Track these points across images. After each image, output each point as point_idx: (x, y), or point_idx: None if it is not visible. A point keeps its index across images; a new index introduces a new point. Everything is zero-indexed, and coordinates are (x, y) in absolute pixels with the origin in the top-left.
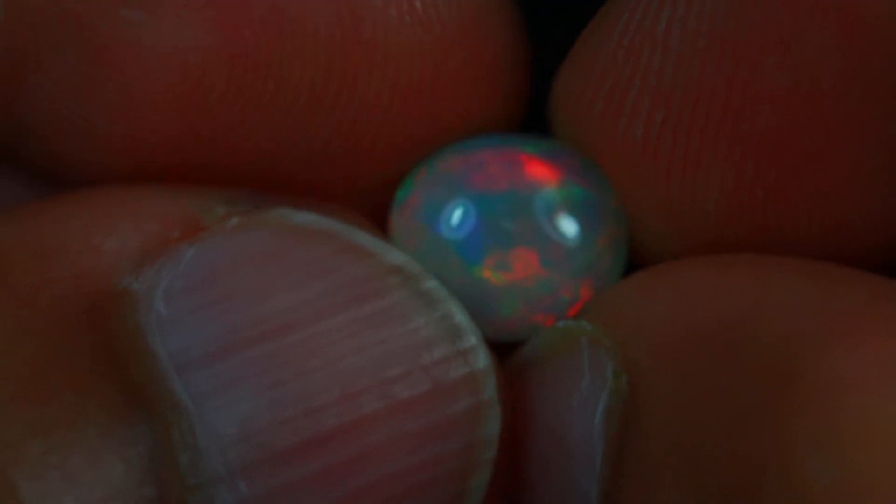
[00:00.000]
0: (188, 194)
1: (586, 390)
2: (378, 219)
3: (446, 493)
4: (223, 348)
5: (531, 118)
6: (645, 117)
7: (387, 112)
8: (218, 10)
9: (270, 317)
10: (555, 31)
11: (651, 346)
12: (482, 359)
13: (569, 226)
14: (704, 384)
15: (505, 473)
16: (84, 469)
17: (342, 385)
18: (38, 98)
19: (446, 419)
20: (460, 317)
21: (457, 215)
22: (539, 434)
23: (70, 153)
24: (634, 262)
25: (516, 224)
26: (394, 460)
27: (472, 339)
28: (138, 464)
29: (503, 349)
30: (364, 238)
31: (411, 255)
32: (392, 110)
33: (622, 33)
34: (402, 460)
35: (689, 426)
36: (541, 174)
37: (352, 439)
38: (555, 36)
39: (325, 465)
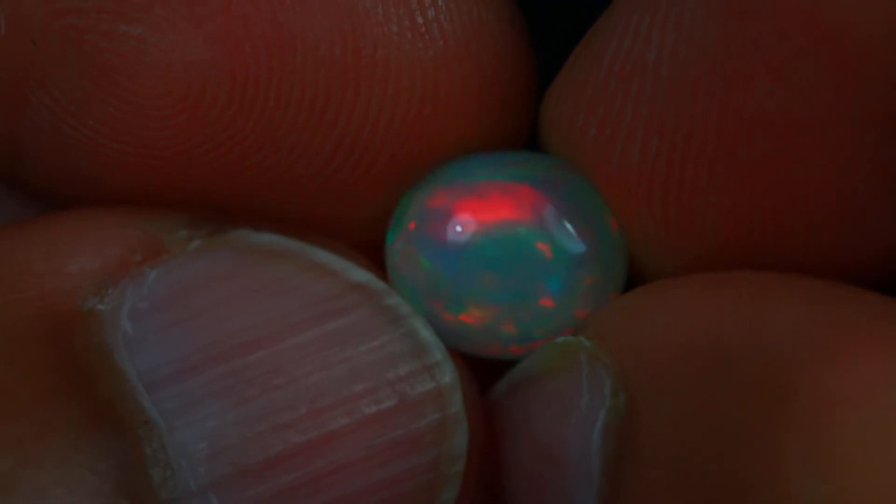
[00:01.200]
0: (151, 218)
1: (585, 408)
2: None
3: None
4: (191, 366)
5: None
6: (640, 145)
7: (387, 129)
8: (219, 26)
9: (236, 335)
10: (558, 46)
11: (647, 363)
12: (448, 373)
13: (551, 288)
14: (699, 402)
15: (496, 488)
16: (56, 483)
17: (309, 401)
18: (39, 115)
19: (413, 434)
20: (425, 332)
21: (436, 265)
22: (534, 450)
23: (71, 171)
24: (633, 277)
25: (496, 281)
26: (362, 475)
27: (438, 354)
28: (110, 478)
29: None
30: (326, 257)
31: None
32: (393, 127)
33: (612, 59)
34: (370, 475)
35: (685, 443)
36: (528, 219)
37: (320, 454)
38: (559, 51)
39: (295, 480)
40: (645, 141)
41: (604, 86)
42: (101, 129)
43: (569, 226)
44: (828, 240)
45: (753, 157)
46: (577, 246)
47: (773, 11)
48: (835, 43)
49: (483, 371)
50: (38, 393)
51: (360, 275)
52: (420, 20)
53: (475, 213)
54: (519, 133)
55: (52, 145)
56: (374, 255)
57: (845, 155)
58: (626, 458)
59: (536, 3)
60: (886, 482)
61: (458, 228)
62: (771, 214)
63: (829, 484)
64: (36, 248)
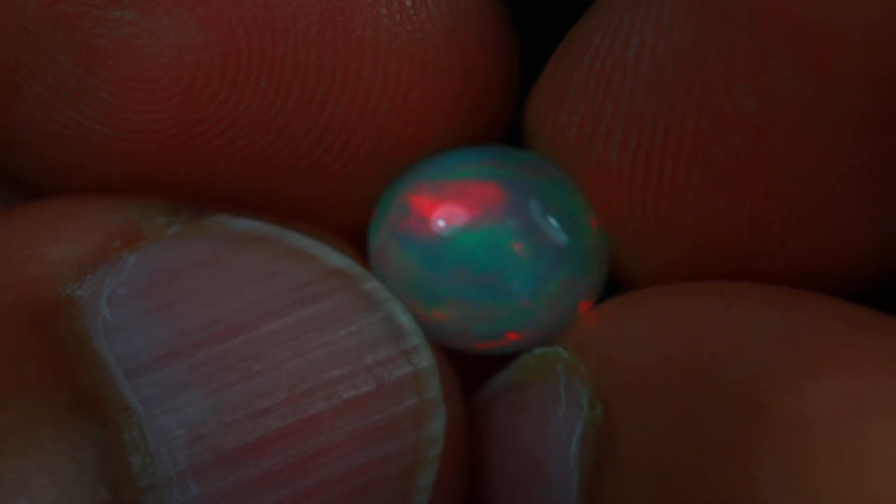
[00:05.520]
0: (129, 204)
1: (563, 417)
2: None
3: (393, 491)
4: (169, 353)
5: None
6: (619, 142)
7: (375, 112)
8: (211, 9)
9: (214, 321)
10: (543, 34)
11: (624, 375)
12: (425, 358)
13: (526, 286)
14: (676, 414)
15: (478, 497)
16: (37, 471)
17: (287, 387)
18: (31, 104)
19: (391, 418)
20: (403, 317)
21: (413, 260)
22: (514, 459)
23: (61, 160)
24: (613, 276)
25: (471, 277)
26: (341, 460)
27: (415, 338)
28: (91, 466)
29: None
30: (304, 241)
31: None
32: (380, 110)
33: (593, 58)
34: (349, 460)
35: (662, 455)
36: (505, 217)
37: (299, 440)
38: (544, 40)
39: (274, 466)
40: (624, 139)
41: (585, 84)
42: (92, 115)
43: (546, 224)
44: (806, 240)
45: (731, 157)
46: (553, 245)
47: (751, 12)
48: (811, 44)
49: (464, 372)
50: (19, 382)
51: (339, 259)
52: (408, 3)
53: (453, 210)
54: (500, 119)
55: (43, 134)
56: (358, 241)
57: (823, 155)
58: (604, 468)
59: None
60: (861, 501)
61: (436, 224)
62: (749, 213)
63: (805, 500)
64: (16, 236)
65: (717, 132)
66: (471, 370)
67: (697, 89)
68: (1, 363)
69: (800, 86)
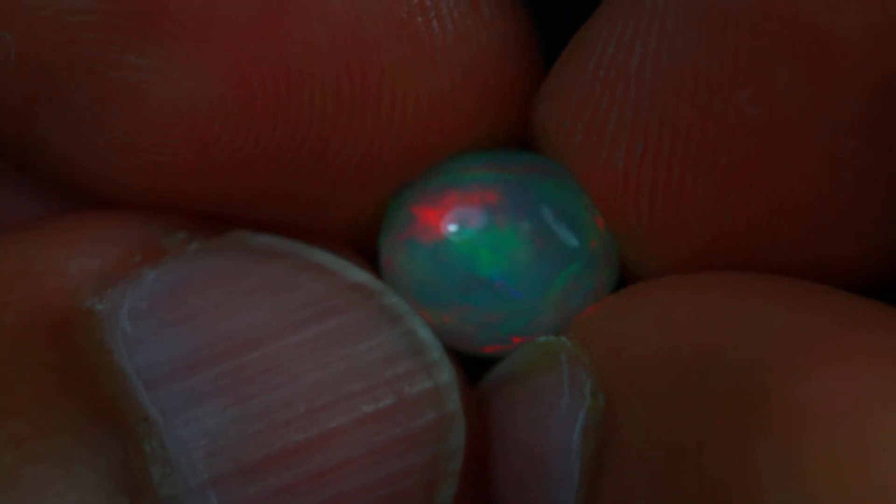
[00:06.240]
0: (150, 220)
1: (565, 407)
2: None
3: None
4: (190, 365)
5: None
6: (624, 150)
7: (391, 155)
8: (227, 60)
9: (235, 334)
10: (554, 40)
11: (627, 365)
12: (446, 372)
13: (535, 289)
14: (677, 406)
15: (479, 487)
16: (57, 479)
17: (307, 400)
18: (50, 133)
19: (411, 432)
20: (423, 332)
21: (421, 265)
22: (516, 449)
23: (80, 183)
24: (620, 278)
25: (479, 282)
26: (361, 473)
27: (435, 353)
28: (110, 475)
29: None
30: (324, 257)
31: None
32: (396, 152)
33: (597, 65)
34: (368, 473)
35: (663, 446)
36: (513, 221)
37: (319, 452)
38: (547, 43)
39: (293, 478)
40: (629, 146)
41: (589, 92)
42: (108, 148)
43: (552, 227)
44: (810, 242)
45: (736, 162)
46: (559, 247)
47: (753, 20)
48: (812, 50)
49: (467, 368)
50: (39, 392)
51: (359, 274)
52: (429, 49)
53: (458, 215)
54: (513, 136)
55: (59, 157)
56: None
57: (826, 159)
58: (605, 458)
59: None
60: (861, 492)
61: (442, 229)
62: (754, 218)
63: (804, 493)
64: (36, 250)
65: (721, 138)
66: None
67: (701, 96)
68: (20, 373)
69: (801, 91)
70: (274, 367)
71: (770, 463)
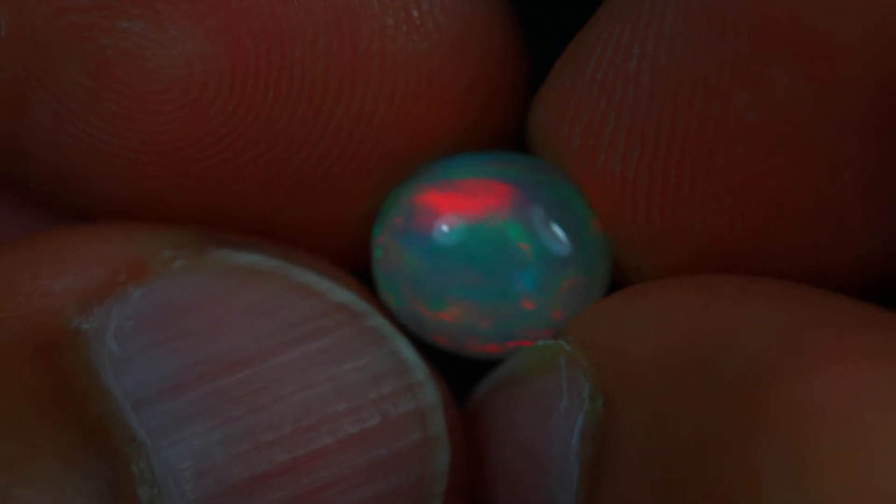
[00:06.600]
0: (135, 237)
1: (565, 410)
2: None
3: None
4: (176, 385)
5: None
6: (622, 153)
7: (382, 122)
8: (220, 20)
9: (220, 354)
10: (552, 40)
11: (626, 367)
12: (430, 393)
13: (531, 288)
14: (677, 406)
15: (478, 490)
16: (47, 501)
17: (293, 420)
18: (41, 114)
19: (396, 453)
20: (408, 352)
21: (418, 261)
22: (516, 452)
23: (71, 173)
24: (616, 280)
25: (476, 279)
26: (346, 493)
27: (420, 374)
28: (98, 496)
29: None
30: (309, 277)
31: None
32: (387, 120)
33: (595, 68)
34: (353, 494)
35: (663, 448)
36: (511, 219)
37: (304, 473)
38: (552, 46)
39: (279, 499)
40: (627, 149)
41: (587, 95)
42: (100, 126)
43: (551, 227)
44: (809, 245)
45: (734, 165)
46: (558, 247)
47: (751, 23)
48: (811, 53)
49: (462, 373)
50: (27, 413)
51: (343, 295)
52: (415, 13)
53: (459, 211)
54: (506, 128)
55: (51, 144)
56: (362, 255)
57: (825, 162)
58: (605, 460)
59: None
60: (861, 492)
61: (442, 225)
62: (752, 220)
63: (804, 493)
64: (22, 268)
65: (719, 141)
66: (466, 368)
67: (699, 99)
68: (7, 394)
69: (800, 94)
70: (260, 387)
71: (770, 463)
